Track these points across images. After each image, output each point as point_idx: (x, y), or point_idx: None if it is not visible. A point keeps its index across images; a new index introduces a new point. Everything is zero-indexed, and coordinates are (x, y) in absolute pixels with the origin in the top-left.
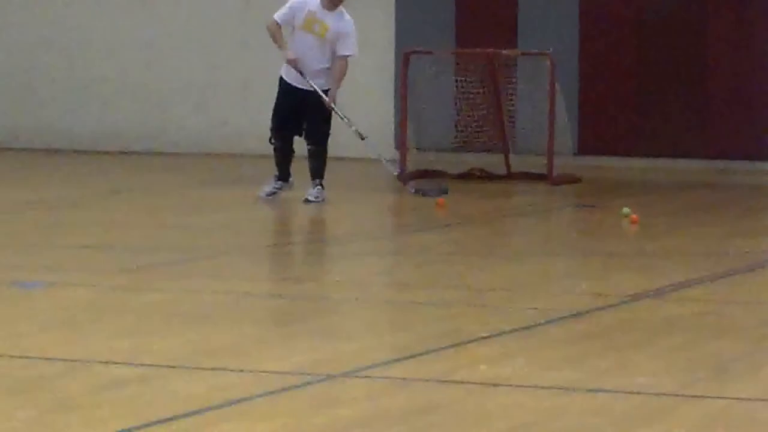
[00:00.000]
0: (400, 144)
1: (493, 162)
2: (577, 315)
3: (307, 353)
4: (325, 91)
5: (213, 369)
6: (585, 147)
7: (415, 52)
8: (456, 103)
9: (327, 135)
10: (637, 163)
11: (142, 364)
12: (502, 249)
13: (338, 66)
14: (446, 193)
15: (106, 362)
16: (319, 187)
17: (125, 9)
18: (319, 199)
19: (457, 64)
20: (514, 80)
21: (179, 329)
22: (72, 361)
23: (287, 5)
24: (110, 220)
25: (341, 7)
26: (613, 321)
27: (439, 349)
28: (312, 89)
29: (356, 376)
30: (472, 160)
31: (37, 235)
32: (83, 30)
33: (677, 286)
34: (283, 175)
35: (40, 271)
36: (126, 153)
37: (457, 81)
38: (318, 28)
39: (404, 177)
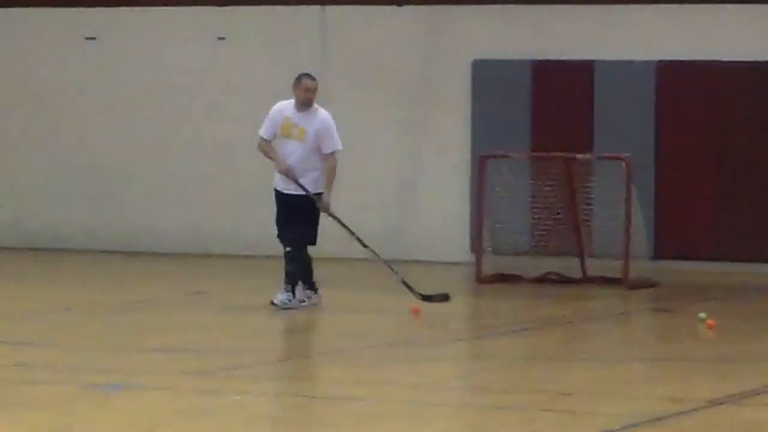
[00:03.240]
0: (476, 247)
1: (568, 266)
2: (656, 420)
3: None
4: (318, 194)
5: None
6: (661, 251)
7: (491, 155)
8: (532, 207)
9: (306, 241)
10: (715, 267)
11: None
12: (579, 353)
13: (328, 165)
14: (448, 300)
15: None
16: (289, 293)
17: (205, 111)
18: (286, 305)
19: (534, 167)
20: (590, 183)
21: None
22: None
23: (267, 118)
24: (190, 323)
25: (315, 105)
26: (692, 426)
27: None
28: (299, 193)
29: None
30: (548, 264)
31: (117, 337)
32: (164, 132)
33: (757, 390)
34: (310, 285)
35: (120, 374)
36: (206, 255)
37: (533, 184)
38: (296, 132)
39: (409, 284)
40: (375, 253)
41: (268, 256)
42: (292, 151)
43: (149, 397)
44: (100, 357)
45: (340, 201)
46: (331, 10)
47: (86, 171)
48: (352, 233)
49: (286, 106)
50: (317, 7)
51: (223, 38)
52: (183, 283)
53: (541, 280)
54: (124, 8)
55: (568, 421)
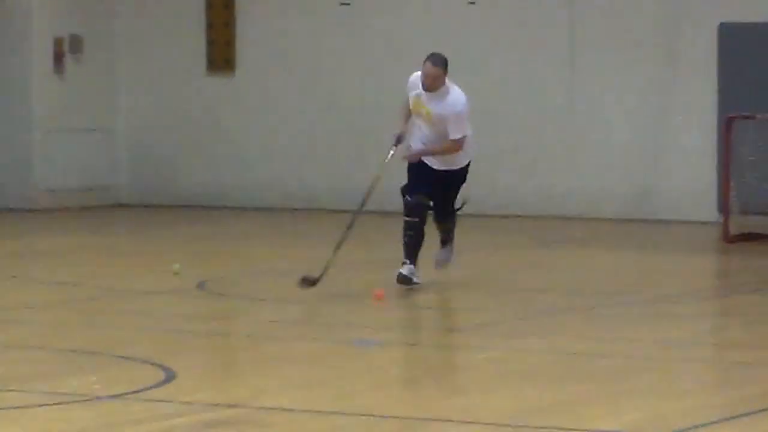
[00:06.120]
0: (723, 207)
1: None
2: None
3: (635, 412)
4: (453, 171)
5: (543, 427)
6: None
7: (738, 116)
8: None
9: (455, 212)
10: None
11: (477, 422)
12: None
13: (446, 142)
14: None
15: (444, 420)
16: (449, 248)
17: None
18: (449, 260)
19: None
20: None
21: (511, 387)
22: (407, 418)
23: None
24: (442, 281)
25: (447, 86)
26: None
27: (759, 410)
28: (445, 169)
29: None
30: None
31: (367, 294)
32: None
33: None
34: (412, 259)
35: (372, 330)
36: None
37: None
38: (423, 112)
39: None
40: (334, 251)
41: (519, 216)
42: (422, 128)
43: (403, 352)
44: (350, 313)
45: (585, 162)
46: None
47: (340, 133)
48: (361, 205)
49: (418, 81)
50: None
51: (473, 2)
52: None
53: None
54: None
55: None
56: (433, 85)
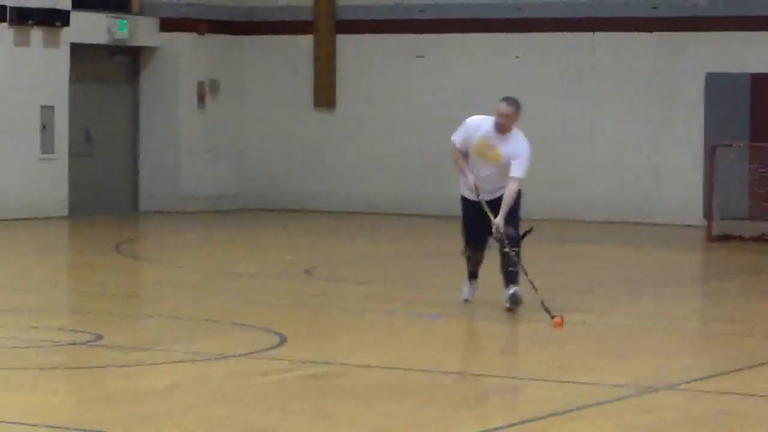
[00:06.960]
0: (707, 214)
1: None
2: None
3: (639, 369)
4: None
5: (565, 381)
6: None
7: (719, 144)
8: (750, 183)
9: (519, 237)
10: None
11: (516, 378)
12: None
13: (509, 189)
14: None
15: (491, 376)
16: (518, 287)
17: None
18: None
19: (752, 153)
20: None
21: (540, 349)
22: (462, 373)
23: (462, 126)
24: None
25: (515, 129)
26: None
27: (737, 369)
28: (492, 199)
29: (675, 389)
30: (762, 227)
31: (428, 278)
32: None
33: None
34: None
35: (438, 306)
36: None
37: (751, 166)
38: (490, 153)
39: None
40: (533, 285)
41: (546, 219)
42: (484, 170)
43: (455, 324)
44: (418, 294)
45: (602, 177)
46: (600, 35)
47: (414, 154)
48: (526, 275)
49: (483, 123)
50: (590, 33)
51: (518, 57)
52: None
53: (757, 239)
54: (444, 34)
55: None
56: (506, 124)
